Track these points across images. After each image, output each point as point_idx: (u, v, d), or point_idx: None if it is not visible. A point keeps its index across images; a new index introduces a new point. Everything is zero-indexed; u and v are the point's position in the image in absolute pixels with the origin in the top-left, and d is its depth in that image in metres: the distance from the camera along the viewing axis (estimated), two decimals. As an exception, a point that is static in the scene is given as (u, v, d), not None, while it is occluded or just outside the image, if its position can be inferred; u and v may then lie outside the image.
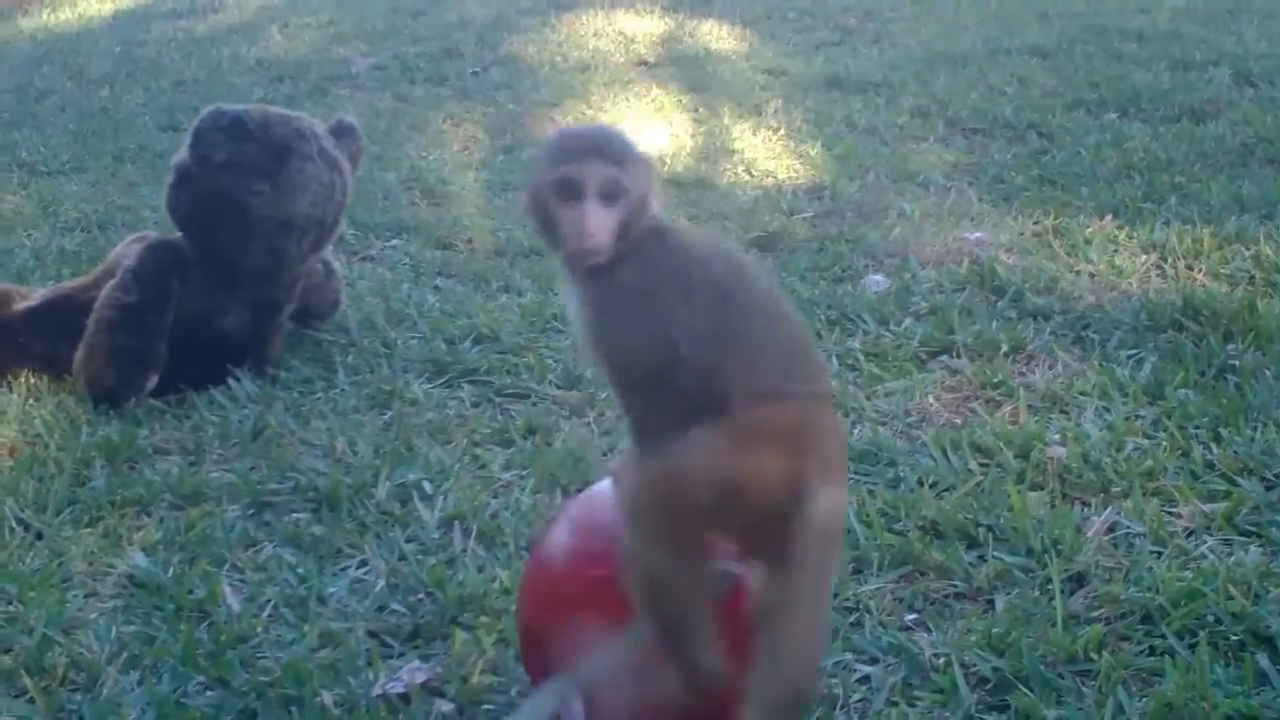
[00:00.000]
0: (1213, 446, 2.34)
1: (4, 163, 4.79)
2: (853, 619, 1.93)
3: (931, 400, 2.62)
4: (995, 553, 2.06)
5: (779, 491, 1.41)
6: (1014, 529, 2.11)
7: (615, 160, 1.45)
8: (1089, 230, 3.54)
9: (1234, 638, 1.83)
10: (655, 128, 4.98)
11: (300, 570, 2.10)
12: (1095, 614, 1.91)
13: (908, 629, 1.90)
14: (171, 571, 2.11)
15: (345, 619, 1.98)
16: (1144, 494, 2.21)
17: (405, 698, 1.78)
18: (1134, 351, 2.77)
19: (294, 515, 2.29)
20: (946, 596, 1.98)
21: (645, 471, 1.44)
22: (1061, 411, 2.55)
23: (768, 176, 4.35)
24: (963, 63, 5.77)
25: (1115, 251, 3.37)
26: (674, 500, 1.41)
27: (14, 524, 2.27)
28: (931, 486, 2.27)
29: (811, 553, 1.43)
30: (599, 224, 1.43)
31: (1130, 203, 3.76)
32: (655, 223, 1.49)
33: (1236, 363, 2.65)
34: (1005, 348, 2.81)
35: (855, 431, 2.49)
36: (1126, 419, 2.47)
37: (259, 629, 1.96)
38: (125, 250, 2.93)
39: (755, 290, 1.48)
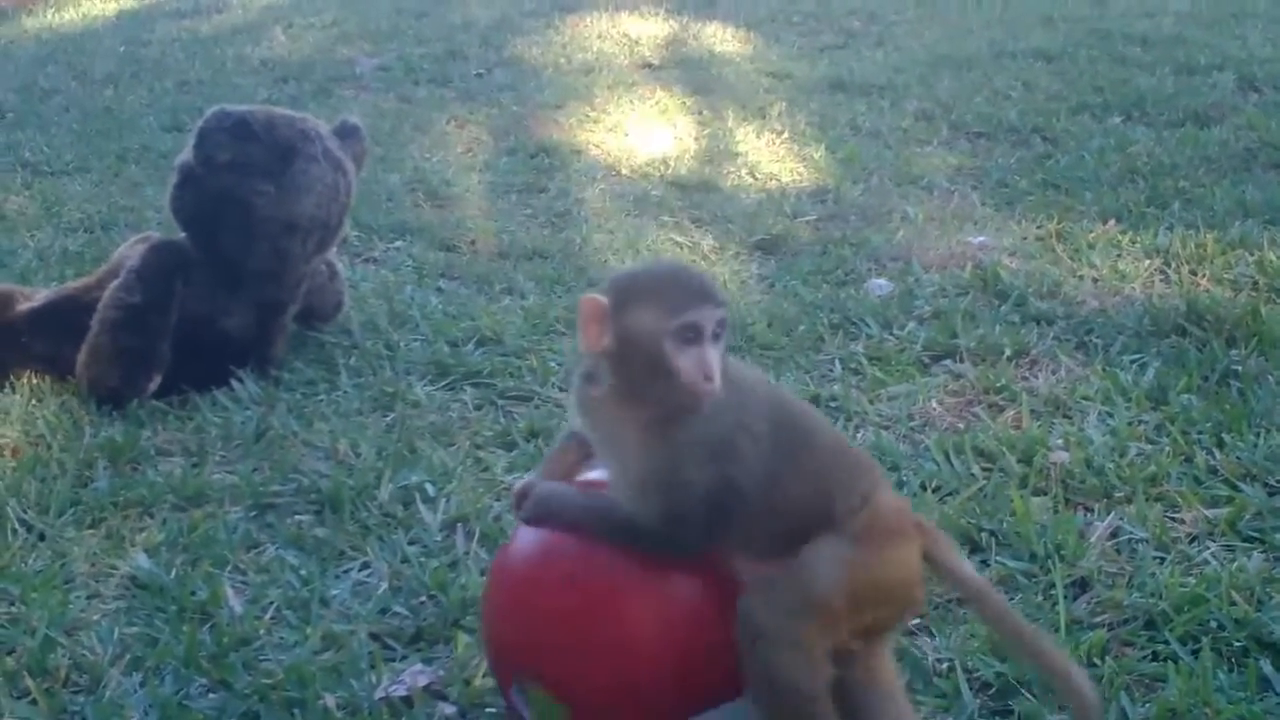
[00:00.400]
0: (1216, 452, 2.34)
1: (8, 163, 4.79)
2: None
3: (934, 404, 2.62)
4: (998, 558, 2.06)
5: (917, 575, 1.52)
6: (1017, 534, 2.11)
7: (723, 302, 1.48)
8: (1092, 235, 3.54)
9: (1237, 643, 1.84)
10: (659, 130, 4.99)
11: (303, 572, 2.10)
12: (1098, 619, 1.91)
13: (911, 634, 1.90)
14: (174, 573, 2.11)
15: (348, 621, 1.98)
16: (1147, 499, 2.21)
17: (408, 700, 1.78)
18: (1137, 356, 2.77)
19: (297, 517, 2.29)
20: (950, 601, 1.98)
21: (778, 596, 1.46)
22: (1064, 416, 2.55)
23: (771, 179, 4.35)
24: (967, 66, 5.77)
25: (1118, 256, 3.37)
26: (815, 615, 1.45)
27: (16, 525, 2.27)
28: (934, 491, 2.27)
29: (990, 595, 1.58)
30: (718, 365, 1.45)
31: (1134, 207, 3.76)
32: None
33: (1240, 368, 2.65)
34: (1008, 352, 2.81)
35: (858, 435, 2.49)
36: (1129, 424, 2.47)
37: (261, 631, 1.96)
38: (129, 251, 2.94)
39: (804, 414, 1.58)
